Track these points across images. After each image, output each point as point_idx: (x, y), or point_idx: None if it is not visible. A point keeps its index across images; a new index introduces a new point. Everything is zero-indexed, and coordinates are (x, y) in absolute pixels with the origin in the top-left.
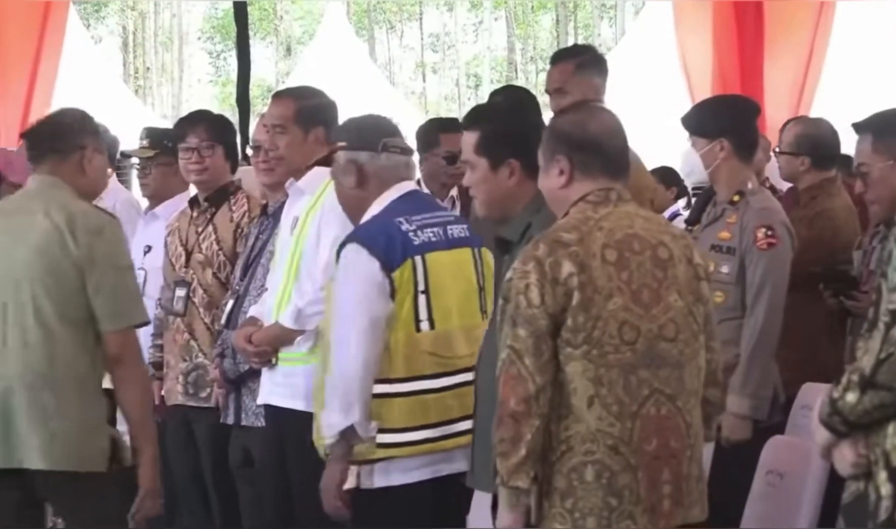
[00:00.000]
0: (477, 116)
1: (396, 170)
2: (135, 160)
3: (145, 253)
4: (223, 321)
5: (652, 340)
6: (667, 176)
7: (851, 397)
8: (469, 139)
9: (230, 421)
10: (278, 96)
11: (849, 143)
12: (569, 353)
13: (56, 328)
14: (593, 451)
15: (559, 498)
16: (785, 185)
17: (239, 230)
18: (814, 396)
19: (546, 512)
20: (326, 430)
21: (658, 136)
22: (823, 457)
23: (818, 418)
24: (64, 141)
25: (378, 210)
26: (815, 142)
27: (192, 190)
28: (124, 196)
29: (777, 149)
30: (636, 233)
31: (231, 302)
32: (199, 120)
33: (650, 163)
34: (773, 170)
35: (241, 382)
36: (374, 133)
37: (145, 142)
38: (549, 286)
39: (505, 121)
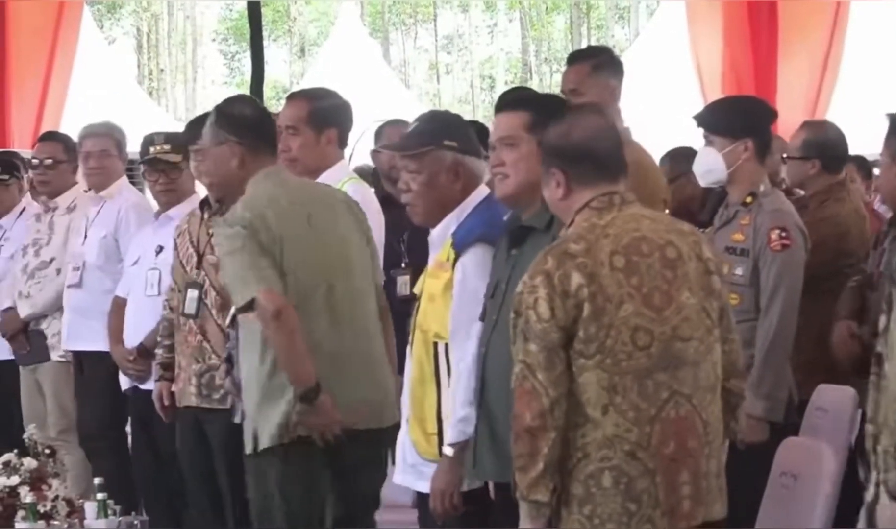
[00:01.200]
0: (522, 99)
1: (482, 173)
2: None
3: (157, 253)
4: (227, 322)
5: (667, 342)
6: None
7: None
8: (516, 118)
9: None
10: (292, 98)
11: (864, 144)
12: (582, 364)
13: (371, 300)
14: (610, 457)
15: (577, 505)
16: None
17: None
18: (828, 397)
19: (564, 520)
20: (457, 429)
21: (671, 137)
22: None
23: None
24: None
25: (470, 208)
26: (824, 146)
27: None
28: (134, 199)
29: (784, 156)
30: (643, 235)
31: None
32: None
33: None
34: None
35: None
36: (476, 139)
37: (167, 146)
38: (558, 299)
39: (553, 106)
